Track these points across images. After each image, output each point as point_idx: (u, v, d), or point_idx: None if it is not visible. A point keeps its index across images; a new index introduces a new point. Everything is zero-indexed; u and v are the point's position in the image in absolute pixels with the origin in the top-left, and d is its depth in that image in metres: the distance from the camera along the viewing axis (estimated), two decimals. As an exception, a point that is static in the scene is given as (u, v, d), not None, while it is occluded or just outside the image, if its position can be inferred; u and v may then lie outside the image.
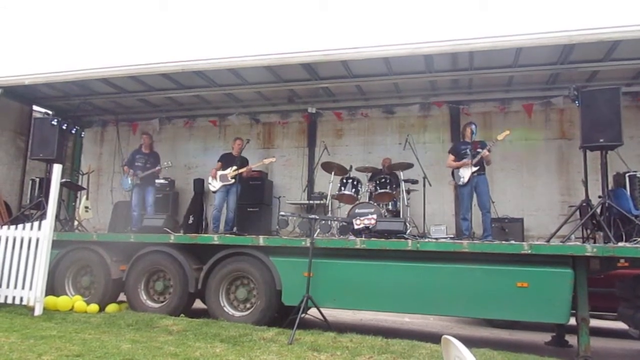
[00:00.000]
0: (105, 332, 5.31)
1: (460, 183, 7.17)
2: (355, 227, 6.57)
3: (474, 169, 7.00)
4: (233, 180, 8.22)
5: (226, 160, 8.45)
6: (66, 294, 6.90)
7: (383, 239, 6.06)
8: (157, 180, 9.15)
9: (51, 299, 6.58)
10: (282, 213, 8.35)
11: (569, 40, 6.45)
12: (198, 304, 6.81)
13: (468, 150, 7.11)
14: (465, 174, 7.08)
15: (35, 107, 9.97)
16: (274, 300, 6.08)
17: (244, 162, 8.36)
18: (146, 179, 8.69)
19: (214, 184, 8.33)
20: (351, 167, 8.40)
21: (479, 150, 7.10)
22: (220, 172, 8.29)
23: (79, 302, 6.65)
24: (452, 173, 7.39)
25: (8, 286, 6.35)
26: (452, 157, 7.41)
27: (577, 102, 6.14)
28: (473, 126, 7.35)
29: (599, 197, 6.08)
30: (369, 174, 8.39)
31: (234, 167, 8.24)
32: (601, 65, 7.26)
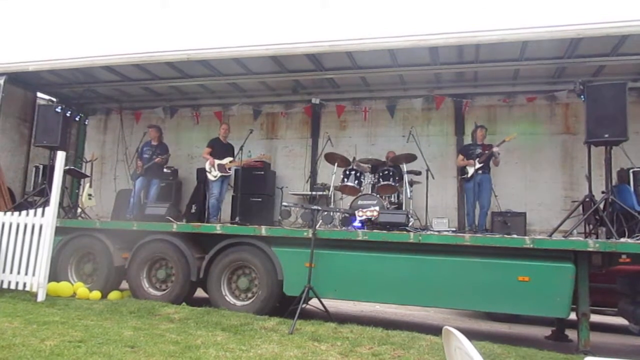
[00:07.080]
0: (107, 318, 5.34)
1: (464, 176, 7.58)
2: (358, 218, 6.56)
3: (478, 166, 7.40)
4: (230, 172, 8.37)
5: (215, 146, 8.55)
6: (69, 281, 6.95)
7: (385, 231, 6.07)
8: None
9: (53, 285, 6.62)
10: (284, 203, 8.35)
11: (576, 34, 6.39)
12: (200, 292, 6.85)
13: (477, 152, 7.52)
14: (470, 170, 7.51)
15: (39, 94, 9.98)
16: (275, 290, 6.11)
17: (229, 149, 8.52)
18: (152, 170, 8.67)
19: (214, 173, 8.38)
20: (354, 158, 8.38)
21: (486, 152, 7.47)
22: (217, 162, 8.37)
23: (81, 289, 6.70)
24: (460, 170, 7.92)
25: (11, 272, 6.41)
26: (461, 156, 7.77)
27: (582, 96, 6.10)
28: (484, 130, 7.72)
29: (603, 192, 6.07)
30: (372, 166, 8.37)
31: (230, 159, 8.37)
32: (608, 60, 7.22)
